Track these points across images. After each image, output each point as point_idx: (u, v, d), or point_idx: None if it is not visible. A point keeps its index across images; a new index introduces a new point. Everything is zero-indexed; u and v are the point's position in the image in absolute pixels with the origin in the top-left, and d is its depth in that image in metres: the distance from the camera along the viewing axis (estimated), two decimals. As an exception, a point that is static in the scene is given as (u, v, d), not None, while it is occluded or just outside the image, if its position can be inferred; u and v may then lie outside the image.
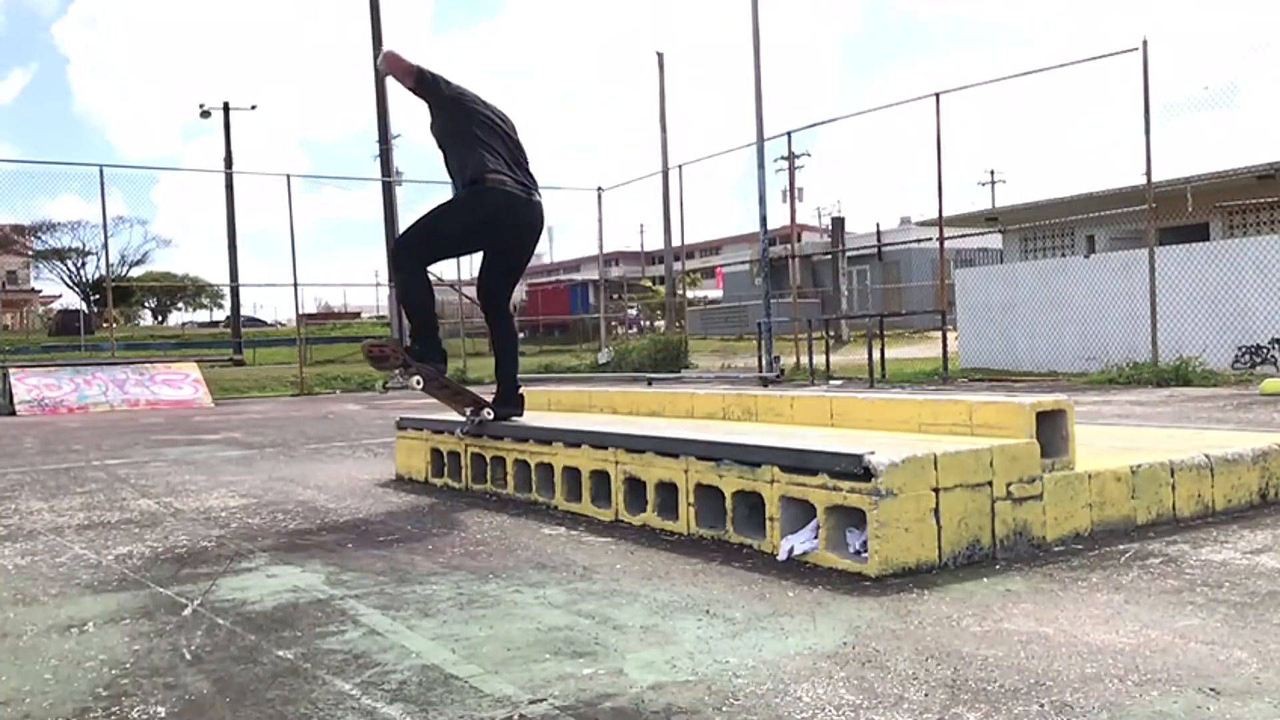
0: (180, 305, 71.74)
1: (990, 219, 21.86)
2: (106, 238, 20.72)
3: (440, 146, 4.86)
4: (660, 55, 32.55)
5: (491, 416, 4.81)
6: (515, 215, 4.66)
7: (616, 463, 3.81)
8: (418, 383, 4.72)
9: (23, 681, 2.16)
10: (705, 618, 2.46)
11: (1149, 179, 11.72)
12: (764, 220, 15.89)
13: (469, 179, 4.60)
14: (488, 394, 4.97)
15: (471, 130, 4.67)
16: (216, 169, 37.09)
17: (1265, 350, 11.95)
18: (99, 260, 54.44)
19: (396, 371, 4.76)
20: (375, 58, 4.73)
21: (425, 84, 4.75)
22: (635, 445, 3.75)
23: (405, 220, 24.76)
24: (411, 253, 4.69)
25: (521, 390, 4.98)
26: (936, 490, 2.85)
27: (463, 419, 4.89)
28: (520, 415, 4.88)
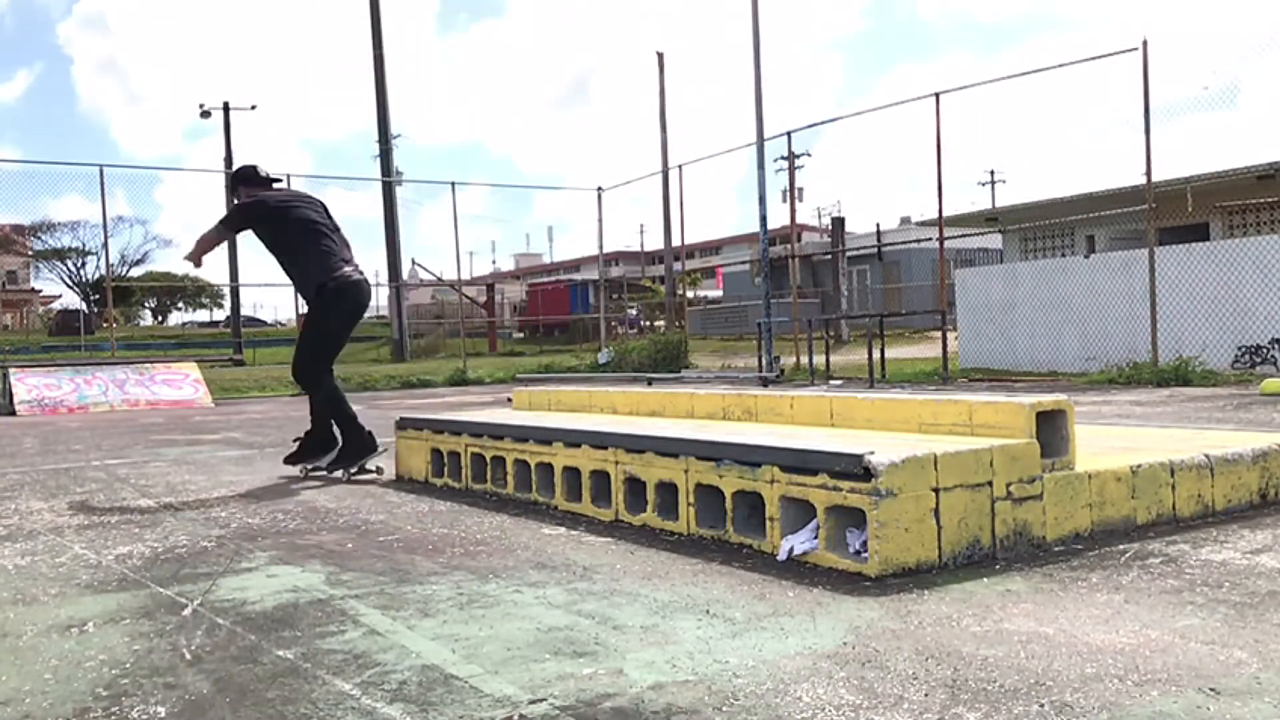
0: (180, 305, 71.72)
1: (990, 219, 21.86)
2: (107, 238, 20.72)
3: (274, 255, 5.56)
4: (660, 55, 32.60)
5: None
6: (365, 298, 5.55)
7: (616, 462, 3.81)
8: (378, 470, 5.53)
9: (23, 681, 2.16)
10: (705, 618, 2.46)
11: (1149, 179, 11.72)
12: (764, 220, 15.89)
13: (319, 284, 5.35)
14: (486, 394, 4.99)
15: (302, 237, 5.41)
16: (217, 169, 37.09)
17: (1265, 350, 11.95)
18: (99, 260, 54.44)
19: (351, 470, 5.49)
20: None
21: (245, 219, 5.52)
22: (635, 445, 3.75)
23: (405, 219, 24.73)
24: (313, 372, 5.50)
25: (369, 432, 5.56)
26: (936, 490, 2.85)
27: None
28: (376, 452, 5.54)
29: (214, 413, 13.31)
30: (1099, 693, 1.87)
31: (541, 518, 3.98)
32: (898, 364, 15.79)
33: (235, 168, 5.65)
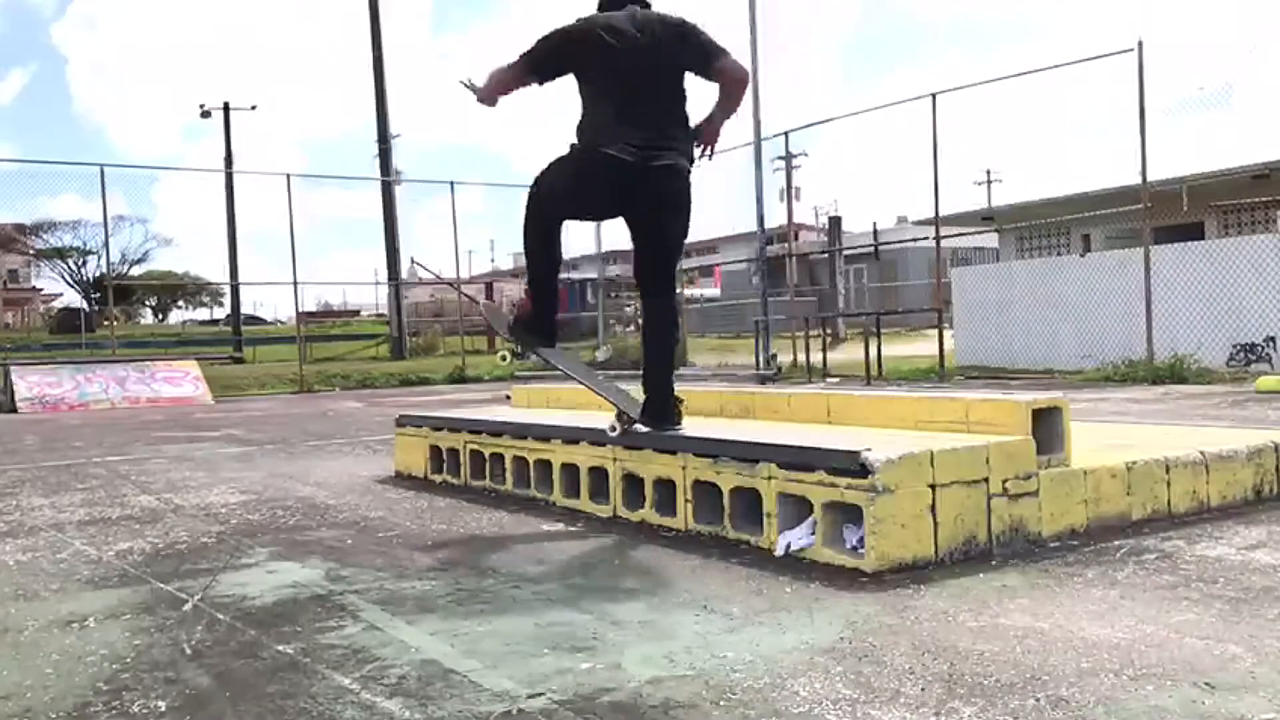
0: (181, 303, 71.52)
1: (986, 218, 21.86)
2: (107, 237, 20.71)
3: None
4: (658, 54, 32.49)
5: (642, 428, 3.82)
6: (616, 182, 3.67)
7: (614, 459, 3.82)
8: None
9: (24, 676, 2.17)
10: (703, 613, 2.47)
11: (1144, 178, 11.72)
12: (761, 219, 15.90)
13: (576, 136, 3.82)
14: (485, 391, 4.93)
15: (596, 81, 3.76)
16: (217, 169, 37.08)
17: (1260, 348, 11.97)
18: (100, 259, 54.27)
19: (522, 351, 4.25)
20: (465, 82, 3.71)
21: (549, 63, 3.79)
22: (633, 442, 3.76)
23: (405, 219, 24.68)
24: (535, 196, 3.87)
25: (679, 396, 3.88)
26: (933, 487, 2.86)
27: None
28: (678, 427, 3.76)
29: (214, 410, 13.31)
30: (1095, 687, 1.88)
31: (540, 514, 4.00)
32: (894, 362, 15.79)
33: None
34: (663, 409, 3.79)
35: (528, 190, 3.87)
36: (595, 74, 3.73)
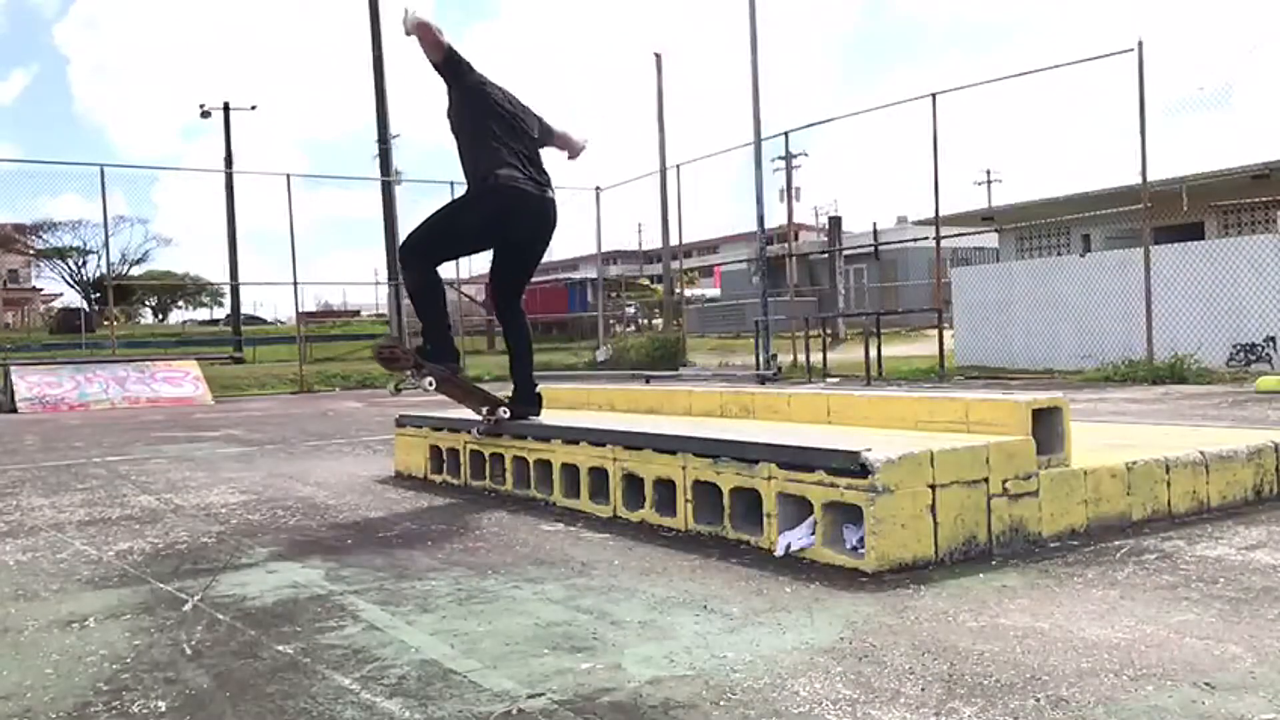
0: (181, 304, 71.53)
1: (986, 218, 21.87)
2: (107, 237, 20.82)
3: (455, 135, 4.70)
4: (658, 56, 32.53)
5: (508, 416, 4.61)
6: (525, 212, 4.53)
7: (614, 459, 3.83)
8: (430, 384, 4.52)
9: (24, 676, 2.17)
10: (703, 613, 2.47)
11: (1144, 178, 11.73)
12: (761, 219, 15.95)
13: (480, 176, 4.51)
14: (496, 392, 4.92)
15: (487, 125, 4.54)
16: (217, 169, 37.11)
17: (1260, 348, 11.99)
18: (100, 259, 54.27)
19: (408, 373, 4.67)
20: (404, 18, 4.46)
21: (451, 65, 4.57)
22: (633, 442, 3.76)
23: (405, 219, 24.70)
24: (420, 251, 4.56)
25: (539, 389, 4.78)
26: (933, 487, 2.86)
27: (478, 418, 4.70)
28: (538, 415, 4.67)
29: (214, 410, 13.32)
30: (1095, 687, 1.88)
31: (540, 514, 3.99)
32: (894, 362, 15.80)
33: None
34: (527, 398, 4.70)
35: (405, 247, 4.59)
36: (489, 119, 4.54)
